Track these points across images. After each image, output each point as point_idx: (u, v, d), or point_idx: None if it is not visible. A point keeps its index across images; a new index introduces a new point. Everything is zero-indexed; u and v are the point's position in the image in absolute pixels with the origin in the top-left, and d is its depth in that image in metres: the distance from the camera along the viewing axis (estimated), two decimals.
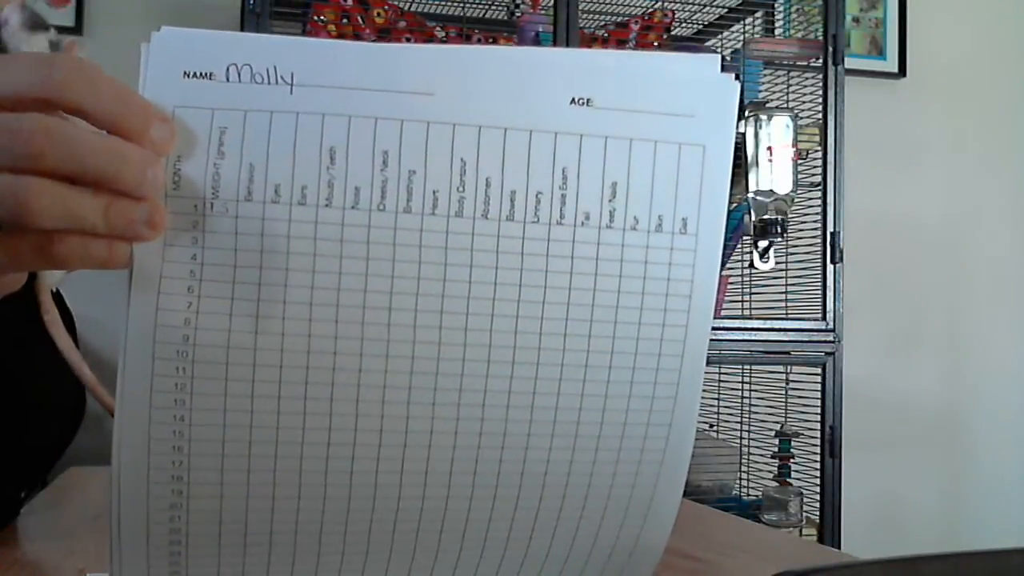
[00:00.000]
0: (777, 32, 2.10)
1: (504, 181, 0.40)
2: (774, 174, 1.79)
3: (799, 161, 1.88)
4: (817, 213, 1.89)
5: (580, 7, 1.83)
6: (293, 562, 0.42)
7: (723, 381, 2.04)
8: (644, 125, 0.41)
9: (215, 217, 0.38)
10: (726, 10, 2.03)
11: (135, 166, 0.36)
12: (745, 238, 1.89)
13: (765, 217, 1.80)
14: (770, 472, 1.95)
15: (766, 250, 1.83)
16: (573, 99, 0.40)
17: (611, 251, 0.41)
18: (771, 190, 1.79)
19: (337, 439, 0.40)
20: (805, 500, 1.89)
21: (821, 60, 1.91)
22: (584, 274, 0.41)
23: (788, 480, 1.91)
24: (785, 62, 2.03)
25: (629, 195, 0.41)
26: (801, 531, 1.86)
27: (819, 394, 1.88)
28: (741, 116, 1.85)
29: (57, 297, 0.48)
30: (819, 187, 1.88)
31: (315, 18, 1.84)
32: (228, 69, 0.37)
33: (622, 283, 0.42)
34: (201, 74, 0.37)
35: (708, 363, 0.44)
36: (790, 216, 1.84)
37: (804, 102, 1.96)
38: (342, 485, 0.41)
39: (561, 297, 0.41)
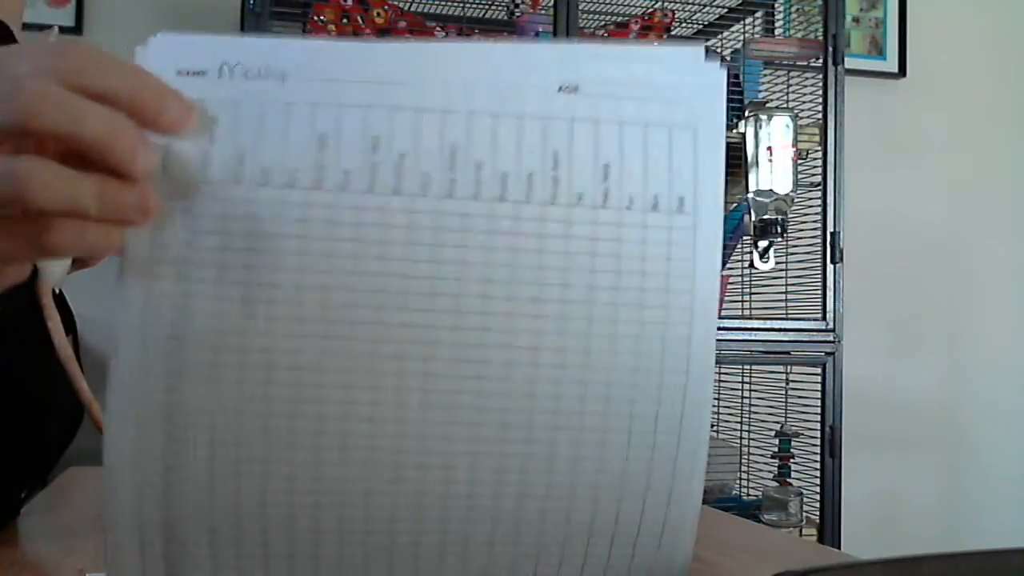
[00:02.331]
0: (777, 32, 2.10)
1: (495, 164, 0.40)
2: (774, 174, 1.80)
3: (799, 161, 1.88)
4: (817, 213, 1.89)
5: (580, 7, 1.83)
6: (292, 566, 0.41)
7: (723, 381, 2.04)
8: (633, 110, 0.41)
9: (204, 201, 0.38)
10: (726, 10, 2.03)
11: (130, 136, 0.36)
12: (745, 238, 1.89)
13: (765, 217, 1.80)
14: (770, 472, 1.95)
15: (766, 250, 1.83)
16: (560, 87, 0.40)
17: (607, 230, 0.41)
18: (771, 190, 1.79)
19: (329, 427, 0.40)
20: (805, 500, 1.89)
21: (821, 60, 1.91)
22: (580, 254, 0.40)
23: (788, 480, 1.91)
24: (785, 62, 2.03)
25: (623, 176, 0.41)
26: (801, 531, 1.86)
27: (819, 394, 1.88)
28: (741, 115, 1.85)
29: (58, 297, 0.48)
30: (819, 187, 1.88)
31: (315, 18, 1.84)
32: (221, 68, 0.38)
33: (621, 263, 0.41)
34: (194, 72, 0.38)
35: None
36: (790, 216, 1.84)
37: (804, 102, 1.96)
38: (334, 479, 0.40)
39: (558, 278, 0.40)
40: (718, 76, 0.42)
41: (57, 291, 0.42)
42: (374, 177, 0.39)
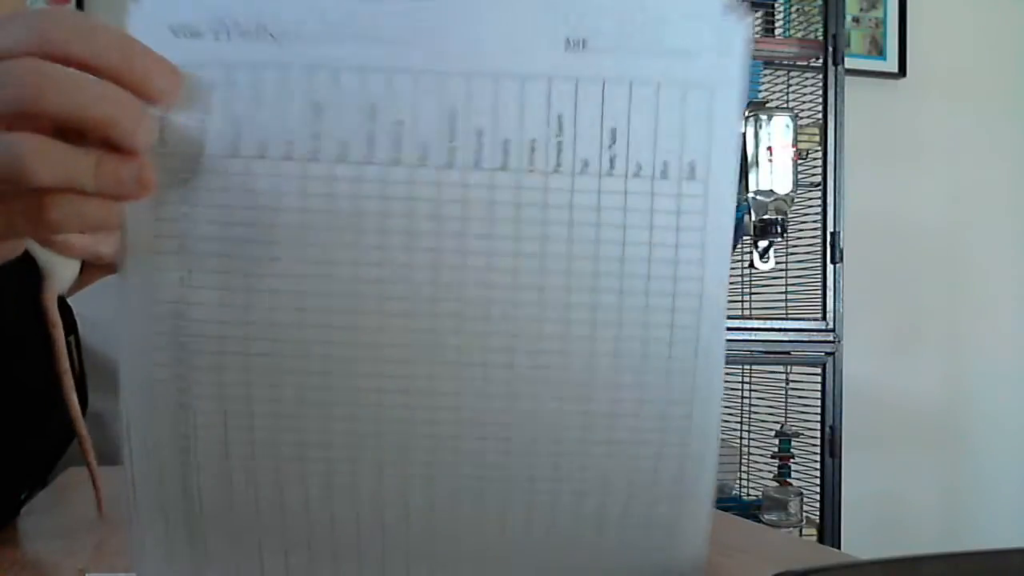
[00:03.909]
0: (777, 32, 2.10)
1: (496, 130, 0.38)
2: (774, 174, 1.79)
3: (799, 161, 1.88)
4: (817, 213, 1.89)
5: None
6: (310, 552, 0.41)
7: (723, 381, 2.04)
8: (644, 67, 0.39)
9: (203, 174, 0.37)
10: None
11: (131, 112, 0.36)
12: (745, 238, 1.89)
13: (765, 217, 1.80)
14: (770, 472, 1.95)
15: (766, 250, 1.83)
16: (567, 40, 0.38)
17: (613, 199, 0.39)
18: (771, 190, 1.79)
19: (335, 406, 0.39)
20: (805, 500, 1.89)
21: (821, 60, 1.91)
22: (585, 224, 0.39)
23: (788, 480, 1.91)
24: (785, 62, 2.03)
25: (630, 141, 0.39)
26: (801, 531, 1.86)
27: (819, 394, 1.88)
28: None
29: (59, 298, 0.48)
30: (819, 187, 1.88)
31: None
32: (215, 28, 0.37)
33: (627, 233, 0.39)
34: (187, 32, 0.37)
35: None
36: (790, 216, 1.84)
37: (804, 102, 1.96)
38: (346, 472, 0.40)
39: (561, 249, 0.39)
40: (739, 29, 0.39)
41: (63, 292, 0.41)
42: (372, 147, 0.38)
